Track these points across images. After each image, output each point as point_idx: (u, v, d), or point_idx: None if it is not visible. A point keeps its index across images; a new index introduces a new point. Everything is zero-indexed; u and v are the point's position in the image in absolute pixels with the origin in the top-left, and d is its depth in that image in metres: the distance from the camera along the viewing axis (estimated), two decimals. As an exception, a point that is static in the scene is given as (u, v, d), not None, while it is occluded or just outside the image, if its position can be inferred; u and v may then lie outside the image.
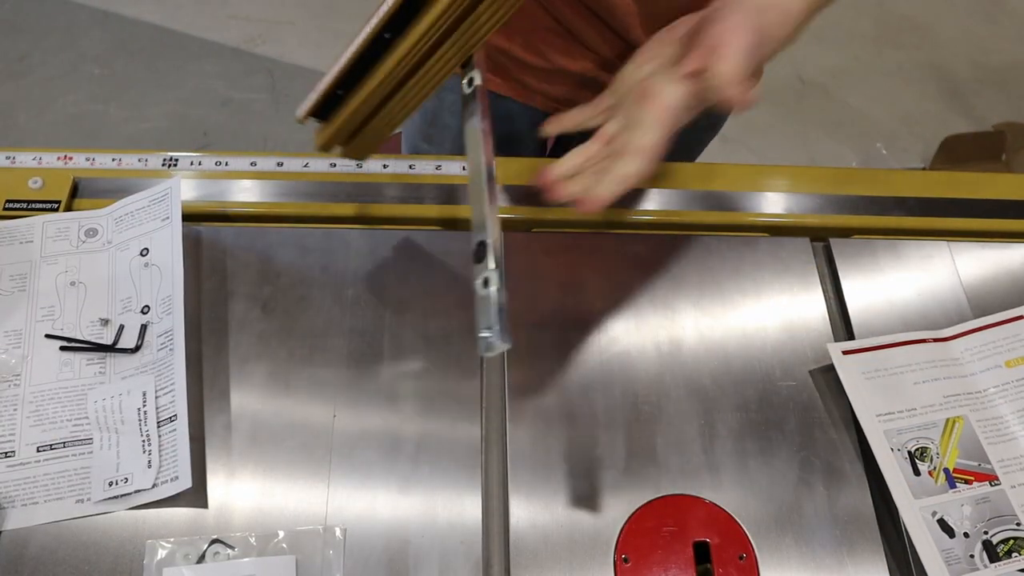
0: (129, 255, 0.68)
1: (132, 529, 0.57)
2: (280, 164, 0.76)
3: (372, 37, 0.62)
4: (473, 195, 0.57)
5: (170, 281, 0.65)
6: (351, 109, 0.65)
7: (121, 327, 0.65)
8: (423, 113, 0.93)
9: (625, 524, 0.59)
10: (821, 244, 0.75)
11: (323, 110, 0.65)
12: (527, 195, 0.75)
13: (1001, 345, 0.67)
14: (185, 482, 0.57)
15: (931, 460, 0.62)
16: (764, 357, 0.67)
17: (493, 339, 0.50)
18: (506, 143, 0.92)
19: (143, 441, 0.59)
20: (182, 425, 0.59)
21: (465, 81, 0.64)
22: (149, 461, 0.58)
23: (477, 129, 0.60)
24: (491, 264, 0.52)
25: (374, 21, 0.61)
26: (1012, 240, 0.76)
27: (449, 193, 0.74)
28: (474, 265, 0.53)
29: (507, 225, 0.72)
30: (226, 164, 0.76)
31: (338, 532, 0.57)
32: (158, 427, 0.59)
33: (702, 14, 0.61)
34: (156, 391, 0.61)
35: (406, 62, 0.62)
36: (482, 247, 0.53)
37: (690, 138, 0.93)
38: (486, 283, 0.52)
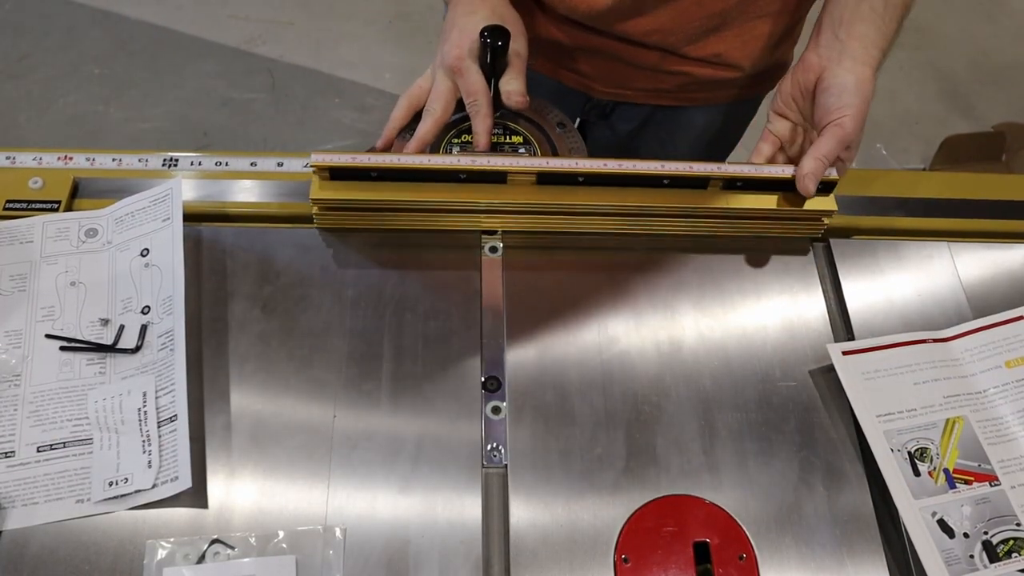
0: (129, 255, 0.68)
1: (132, 529, 0.57)
2: (280, 164, 0.76)
3: (448, 169, 0.68)
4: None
5: (171, 281, 0.65)
6: (368, 193, 0.68)
7: (121, 327, 0.65)
8: None
9: (625, 524, 0.59)
10: (821, 244, 0.75)
11: (341, 174, 0.68)
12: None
13: (1001, 345, 0.67)
14: (185, 482, 0.57)
15: (931, 460, 0.62)
16: (764, 357, 0.67)
17: (501, 455, 0.61)
18: None
19: (143, 441, 0.59)
20: (182, 425, 0.59)
21: (488, 248, 0.71)
22: (149, 461, 0.58)
23: (500, 296, 0.69)
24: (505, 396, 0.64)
25: (465, 161, 0.68)
26: (1012, 240, 0.76)
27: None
28: (484, 392, 0.64)
29: (507, 225, 0.72)
30: (226, 164, 0.76)
31: (338, 532, 0.57)
32: (158, 427, 0.59)
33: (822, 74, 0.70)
34: (156, 391, 0.61)
35: (454, 205, 0.69)
36: (495, 381, 0.64)
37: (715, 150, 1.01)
38: (496, 411, 0.63)
